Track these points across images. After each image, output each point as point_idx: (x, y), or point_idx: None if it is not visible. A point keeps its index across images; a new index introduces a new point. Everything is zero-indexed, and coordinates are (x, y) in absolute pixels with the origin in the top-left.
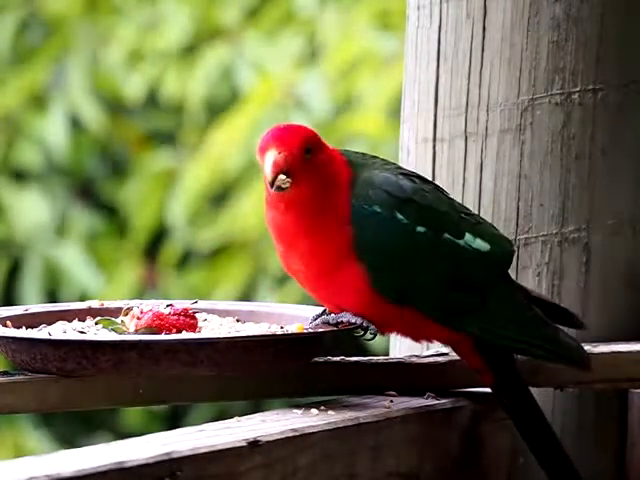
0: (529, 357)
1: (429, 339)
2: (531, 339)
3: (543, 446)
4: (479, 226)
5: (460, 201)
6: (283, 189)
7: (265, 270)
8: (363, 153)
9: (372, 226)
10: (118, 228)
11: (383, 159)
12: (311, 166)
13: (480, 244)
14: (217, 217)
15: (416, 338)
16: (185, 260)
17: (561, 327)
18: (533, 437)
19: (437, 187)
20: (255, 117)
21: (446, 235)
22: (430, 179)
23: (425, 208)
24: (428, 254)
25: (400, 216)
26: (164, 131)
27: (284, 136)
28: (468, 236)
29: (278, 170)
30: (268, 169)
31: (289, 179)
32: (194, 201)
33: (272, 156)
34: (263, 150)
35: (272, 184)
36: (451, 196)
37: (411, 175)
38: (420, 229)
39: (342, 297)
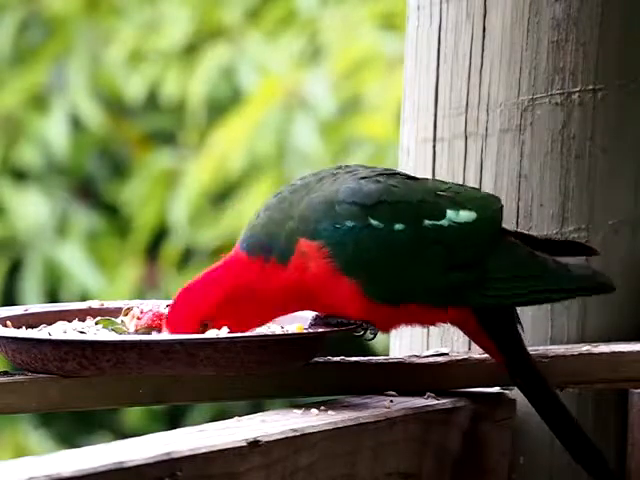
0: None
1: (435, 324)
2: (543, 286)
3: (561, 425)
4: (459, 196)
5: None
6: None
7: None
8: (302, 179)
9: (350, 241)
10: (119, 228)
11: (337, 168)
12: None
13: (465, 215)
14: (219, 217)
15: (421, 325)
16: (186, 260)
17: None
18: (551, 417)
19: (406, 176)
20: (258, 117)
21: (426, 222)
22: (398, 170)
23: (397, 204)
24: (414, 248)
25: (374, 222)
26: (165, 131)
27: (172, 329)
28: (450, 213)
29: None
30: None
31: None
32: (196, 201)
33: None
34: None
35: None
36: (422, 177)
37: (374, 176)
38: (398, 227)
39: (340, 310)
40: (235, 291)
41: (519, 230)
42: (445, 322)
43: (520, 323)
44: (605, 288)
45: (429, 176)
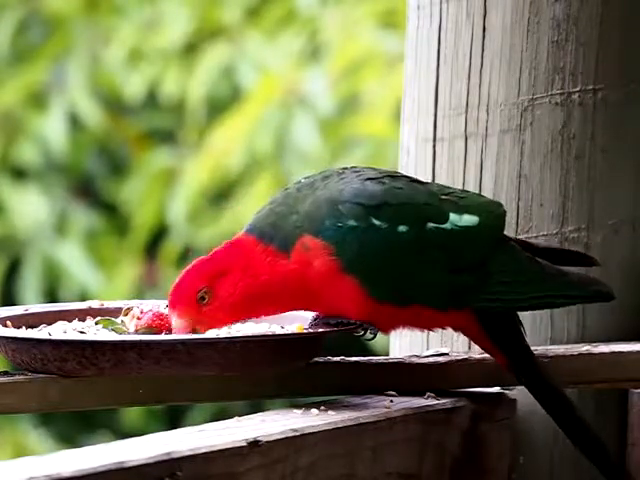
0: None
1: (436, 327)
2: (543, 291)
3: (569, 422)
4: (463, 200)
5: None
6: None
7: None
8: (308, 178)
9: (353, 241)
10: (118, 226)
11: (343, 169)
12: (213, 306)
13: (468, 219)
14: (218, 216)
15: (422, 329)
16: (185, 259)
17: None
18: (559, 414)
19: (410, 179)
20: (257, 115)
21: (430, 225)
22: (403, 173)
23: (401, 206)
24: (417, 250)
25: (378, 222)
26: (164, 130)
27: (172, 301)
28: (453, 216)
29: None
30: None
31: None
32: (194, 199)
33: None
34: None
35: None
36: (426, 180)
37: (378, 177)
38: (402, 229)
39: (342, 310)
40: (234, 266)
41: (520, 237)
42: (447, 326)
43: (522, 325)
44: (604, 296)
45: (429, 176)
